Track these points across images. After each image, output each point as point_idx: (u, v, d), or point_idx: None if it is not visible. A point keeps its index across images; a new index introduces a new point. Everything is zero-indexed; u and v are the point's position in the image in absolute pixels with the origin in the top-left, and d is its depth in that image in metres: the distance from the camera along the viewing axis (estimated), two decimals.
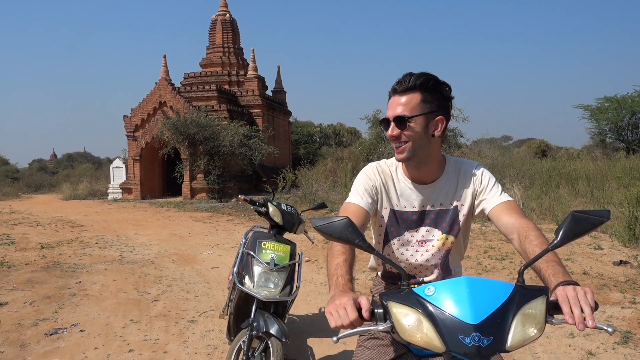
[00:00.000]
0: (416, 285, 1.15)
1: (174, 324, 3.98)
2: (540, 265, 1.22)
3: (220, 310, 3.63)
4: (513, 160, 16.51)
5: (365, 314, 1.06)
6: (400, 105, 1.45)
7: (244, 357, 2.49)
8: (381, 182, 1.60)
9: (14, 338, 3.64)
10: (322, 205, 3.49)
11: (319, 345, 3.51)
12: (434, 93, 1.46)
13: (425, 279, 1.64)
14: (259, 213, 3.10)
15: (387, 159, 1.68)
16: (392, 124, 1.47)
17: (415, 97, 1.45)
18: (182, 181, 18.29)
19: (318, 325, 3.98)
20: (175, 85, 19.42)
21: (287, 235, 3.18)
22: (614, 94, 22.25)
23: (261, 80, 22.21)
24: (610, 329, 1.02)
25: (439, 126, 1.48)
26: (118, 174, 20.92)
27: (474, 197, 1.57)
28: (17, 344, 3.52)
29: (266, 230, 3.12)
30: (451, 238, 1.59)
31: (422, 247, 1.60)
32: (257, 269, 2.70)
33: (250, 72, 21.71)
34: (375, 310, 1.09)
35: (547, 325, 1.05)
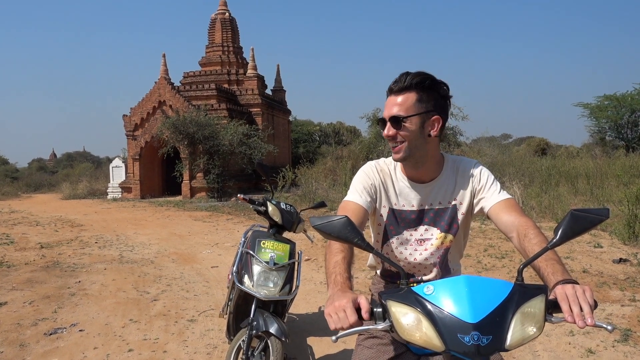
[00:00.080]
0: (415, 284, 1.15)
1: (173, 323, 3.98)
2: (539, 263, 1.22)
3: (220, 309, 3.63)
4: (513, 158, 16.50)
5: (364, 315, 1.06)
6: (396, 105, 1.45)
7: (244, 357, 2.49)
8: (380, 181, 1.59)
9: (13, 338, 3.64)
10: (322, 204, 3.48)
11: (318, 344, 3.51)
12: (430, 92, 1.45)
13: (424, 277, 1.64)
14: (258, 212, 3.10)
15: (386, 157, 1.67)
16: (388, 124, 1.46)
17: (411, 97, 1.44)
18: (182, 180, 18.27)
19: (318, 324, 3.97)
20: (174, 85, 19.39)
21: (287, 234, 3.18)
22: (614, 92, 22.27)
23: (260, 79, 22.18)
24: (609, 327, 1.02)
25: (435, 126, 1.47)
26: (117, 173, 20.91)
27: (472, 196, 1.56)
28: (16, 344, 3.51)
29: (265, 229, 3.12)
30: (450, 237, 1.59)
31: (420, 246, 1.60)
32: (256, 268, 2.69)
33: (249, 71, 21.68)
34: (374, 310, 1.09)
35: (546, 323, 1.05)
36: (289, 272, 2.77)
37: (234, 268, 2.90)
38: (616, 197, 8.69)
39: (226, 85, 21.43)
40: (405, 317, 1.03)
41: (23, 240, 8.58)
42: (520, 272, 1.10)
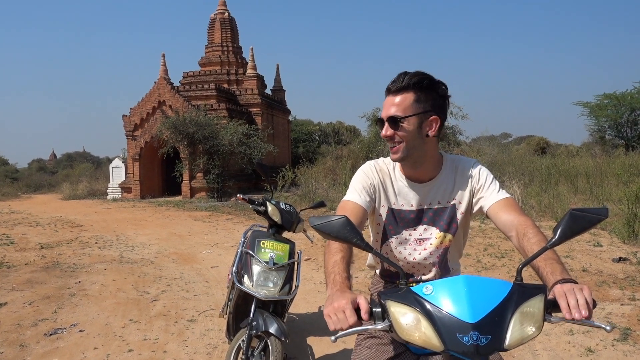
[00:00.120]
0: (414, 284, 1.15)
1: (173, 323, 3.98)
2: (538, 263, 1.22)
3: (220, 309, 3.63)
4: (512, 157, 16.50)
5: (364, 315, 1.06)
6: (394, 105, 1.45)
7: (244, 356, 2.49)
8: (379, 180, 1.59)
9: (13, 338, 3.64)
10: (321, 204, 3.48)
11: (318, 344, 3.51)
12: (428, 92, 1.45)
13: (424, 277, 1.64)
14: (258, 212, 3.10)
15: (385, 157, 1.67)
16: (386, 124, 1.46)
17: (409, 97, 1.43)
18: (182, 180, 18.27)
19: (318, 323, 3.97)
20: (174, 85, 19.39)
21: (286, 234, 3.18)
22: (614, 91, 22.24)
23: (260, 78, 22.17)
24: (608, 327, 1.02)
25: (433, 126, 1.47)
26: (117, 173, 20.91)
27: (471, 195, 1.56)
28: (16, 345, 3.51)
29: (265, 229, 3.12)
30: (449, 236, 1.59)
31: (420, 245, 1.60)
32: (256, 268, 2.69)
33: (249, 71, 21.68)
34: (374, 310, 1.09)
35: (545, 323, 1.05)
36: (288, 272, 2.77)
37: (234, 268, 2.91)
38: (616, 196, 8.70)
39: (226, 85, 21.43)
40: (404, 317, 1.03)
41: (23, 241, 8.58)
42: (519, 271, 1.10)
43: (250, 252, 2.75)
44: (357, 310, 1.07)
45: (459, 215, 1.58)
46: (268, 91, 24.25)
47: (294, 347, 3.41)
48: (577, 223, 1.09)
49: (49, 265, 6.37)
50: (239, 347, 2.56)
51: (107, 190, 20.76)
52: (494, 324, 0.99)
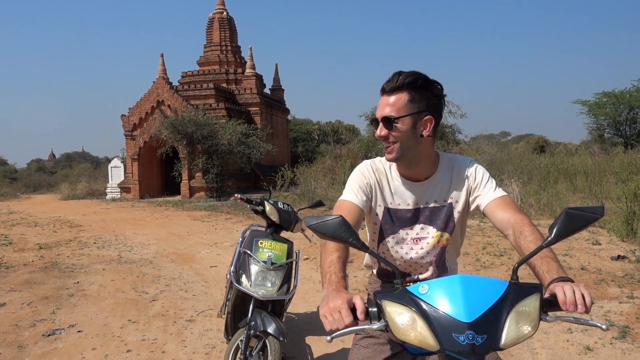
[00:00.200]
0: (411, 284, 1.15)
1: (172, 323, 3.97)
2: (535, 262, 1.22)
3: (218, 309, 3.63)
4: (511, 156, 16.52)
5: (360, 315, 1.06)
6: (388, 105, 1.44)
7: (242, 356, 2.49)
8: (375, 180, 1.59)
9: (11, 339, 3.63)
10: (319, 204, 3.48)
11: (317, 344, 3.51)
12: (422, 92, 1.44)
13: (421, 276, 1.63)
14: (256, 212, 3.09)
15: (382, 157, 1.67)
16: (381, 124, 1.46)
17: (403, 97, 1.43)
18: (181, 180, 18.25)
19: (316, 323, 3.97)
20: (172, 84, 19.36)
21: (285, 234, 3.17)
22: (612, 89, 22.26)
23: (259, 78, 22.15)
24: (604, 326, 1.02)
25: (427, 126, 1.46)
26: (116, 173, 20.88)
27: (468, 193, 1.56)
28: (14, 346, 3.51)
29: (263, 229, 3.12)
30: (446, 235, 1.58)
31: (416, 244, 1.60)
32: (254, 268, 2.69)
33: (248, 70, 21.66)
34: (370, 309, 1.08)
35: (541, 322, 1.05)
36: (286, 271, 2.77)
37: (232, 268, 2.90)
38: (614, 194, 8.70)
39: (224, 85, 21.40)
40: (400, 316, 1.03)
41: (22, 241, 8.57)
42: (515, 270, 1.09)
43: (248, 252, 2.74)
44: (353, 310, 1.07)
45: (456, 214, 1.57)
46: (267, 90, 24.23)
47: (292, 346, 3.41)
48: (573, 222, 1.09)
49: (48, 265, 6.36)
50: (237, 347, 2.56)
51: (106, 190, 20.74)
52: (489, 323, 0.99)
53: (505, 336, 0.99)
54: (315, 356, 3.33)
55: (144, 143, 19.00)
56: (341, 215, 1.15)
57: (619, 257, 5.51)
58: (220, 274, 5.67)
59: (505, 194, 1.51)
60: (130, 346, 3.48)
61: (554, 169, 12.89)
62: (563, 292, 1.06)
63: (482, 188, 1.52)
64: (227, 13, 22.87)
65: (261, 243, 2.79)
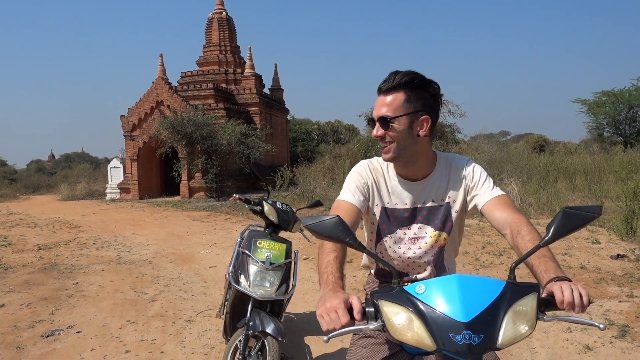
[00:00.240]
0: (409, 283, 1.14)
1: (171, 324, 3.97)
2: (532, 261, 1.22)
3: (217, 309, 3.62)
4: (511, 155, 16.54)
5: (356, 315, 1.05)
6: (384, 105, 1.44)
7: (240, 357, 2.48)
8: (373, 179, 1.59)
9: (10, 340, 3.63)
10: (318, 203, 3.48)
11: (316, 343, 3.50)
12: (419, 92, 1.43)
13: (419, 276, 1.63)
14: (254, 212, 3.09)
15: (379, 156, 1.66)
16: (377, 124, 1.46)
17: (399, 97, 1.42)
18: (180, 180, 18.24)
19: (315, 323, 3.93)
20: (172, 84, 19.36)
21: (283, 234, 3.17)
22: (612, 88, 22.27)
23: (258, 78, 22.14)
24: (601, 325, 1.02)
25: (424, 126, 1.46)
26: (116, 174, 20.87)
27: (466, 193, 1.55)
28: (13, 347, 3.50)
29: (262, 229, 3.11)
30: (444, 235, 1.58)
31: (414, 244, 1.59)
32: (252, 268, 2.69)
33: (247, 70, 21.65)
34: (367, 309, 1.08)
35: (538, 322, 1.04)
36: (285, 271, 2.77)
37: (230, 268, 2.90)
38: (614, 193, 8.70)
39: (224, 85, 21.39)
40: (396, 316, 1.03)
41: (21, 242, 8.56)
42: (512, 270, 1.09)
43: (247, 252, 2.74)
44: (350, 310, 1.06)
45: (453, 214, 1.57)
46: (266, 90, 24.22)
47: (291, 346, 3.41)
48: (571, 221, 1.09)
49: (47, 266, 6.35)
50: (236, 347, 2.55)
51: (106, 191, 20.73)
52: (486, 323, 0.98)
53: (502, 336, 0.98)
54: (314, 356, 3.33)
55: (144, 143, 18.99)
56: (338, 215, 1.14)
57: (618, 256, 5.50)
58: (220, 274, 5.67)
59: (502, 193, 1.50)
60: (129, 347, 3.47)
61: (554, 168, 12.89)
62: (560, 291, 1.06)
63: (480, 187, 1.52)
64: (226, 13, 22.86)
65: (260, 243, 2.78)
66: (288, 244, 2.90)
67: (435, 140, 16.79)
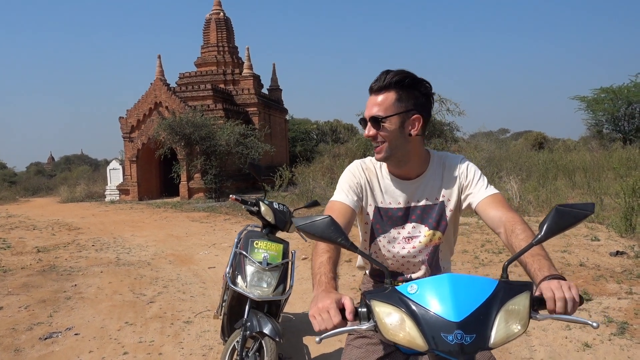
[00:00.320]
0: (402, 283, 1.13)
1: (169, 325, 3.96)
2: (526, 259, 1.21)
3: (215, 310, 3.61)
4: (510, 153, 16.53)
5: (348, 315, 1.05)
6: (376, 105, 1.43)
7: (238, 357, 2.48)
8: (366, 179, 1.58)
9: (8, 343, 3.62)
10: (315, 203, 3.47)
11: (314, 344, 3.50)
12: (410, 91, 1.43)
13: (413, 275, 1.62)
14: (251, 212, 3.08)
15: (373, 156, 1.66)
16: (369, 124, 1.45)
17: (390, 96, 1.42)
18: (179, 181, 18.23)
19: None
20: (170, 86, 19.34)
21: (281, 234, 3.16)
22: (610, 85, 22.27)
23: (257, 78, 22.13)
24: (594, 324, 1.01)
25: (415, 125, 1.45)
26: (115, 175, 20.86)
27: (460, 191, 1.55)
28: (11, 349, 3.50)
29: (259, 230, 3.10)
30: (438, 234, 1.57)
31: (408, 243, 1.58)
32: (249, 269, 2.68)
33: (245, 71, 21.64)
34: (359, 310, 1.07)
35: (532, 321, 1.04)
36: (282, 272, 2.76)
37: (228, 269, 2.89)
38: (613, 190, 8.70)
39: (222, 86, 21.39)
40: (389, 317, 1.02)
41: (20, 245, 8.55)
42: (505, 268, 1.08)
43: (244, 253, 2.73)
44: (342, 310, 1.06)
45: (448, 213, 1.56)
46: (265, 91, 24.21)
47: (290, 346, 3.40)
48: (563, 219, 1.08)
49: (45, 268, 6.35)
50: (234, 348, 2.55)
51: (105, 193, 20.72)
52: (478, 322, 0.97)
53: (494, 335, 0.97)
54: (312, 356, 3.32)
55: (142, 145, 18.98)
56: (330, 216, 1.14)
57: (617, 253, 5.50)
58: (219, 275, 5.66)
59: (496, 191, 1.50)
60: (127, 348, 3.47)
61: (553, 165, 12.90)
62: (550, 291, 1.05)
63: (474, 186, 1.51)
64: (224, 14, 22.85)
65: (257, 244, 2.77)
66: (285, 244, 2.90)
67: (434, 138, 16.80)
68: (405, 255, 1.59)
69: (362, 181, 1.57)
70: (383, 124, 1.43)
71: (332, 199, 1.55)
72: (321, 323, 1.04)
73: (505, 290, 1.02)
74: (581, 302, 1.07)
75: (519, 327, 1.00)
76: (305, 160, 19.79)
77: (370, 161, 1.62)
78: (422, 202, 1.56)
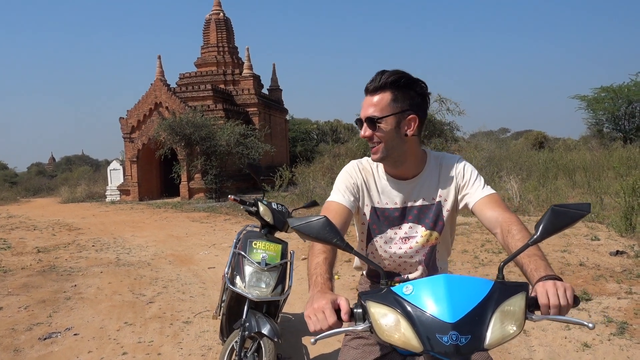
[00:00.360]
0: (398, 284, 1.13)
1: (168, 325, 3.96)
2: (522, 260, 1.21)
3: (214, 310, 3.61)
4: (510, 152, 16.51)
5: (344, 316, 1.05)
6: (371, 105, 1.43)
7: (237, 358, 2.48)
8: (362, 179, 1.58)
9: (7, 343, 3.62)
10: (314, 204, 3.47)
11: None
12: (405, 91, 1.43)
13: (410, 276, 1.62)
14: (250, 213, 3.08)
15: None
16: (365, 125, 1.45)
17: (386, 97, 1.42)
18: (180, 182, 18.24)
19: None
20: (170, 86, 19.35)
21: (280, 234, 3.16)
22: (610, 84, 22.25)
23: (257, 78, 22.13)
24: (590, 325, 1.01)
25: (411, 125, 1.45)
26: (115, 176, 20.86)
27: (457, 192, 1.54)
28: (10, 349, 3.50)
29: (258, 230, 3.10)
30: (435, 234, 1.57)
31: (405, 244, 1.58)
32: (248, 269, 2.68)
33: (245, 71, 21.64)
34: (355, 310, 1.07)
35: (527, 321, 1.03)
36: (281, 272, 2.76)
37: (227, 269, 2.89)
38: (613, 189, 8.69)
39: (222, 86, 21.39)
40: (384, 318, 1.02)
41: (20, 245, 8.56)
42: (500, 269, 1.08)
43: (243, 253, 2.73)
44: (337, 311, 1.06)
45: (445, 213, 1.56)
46: (265, 91, 24.21)
47: (289, 347, 3.40)
48: (559, 219, 1.08)
49: (45, 269, 6.35)
50: (232, 349, 2.55)
51: (106, 193, 20.73)
52: (473, 323, 0.97)
53: (489, 336, 0.97)
54: (311, 356, 3.32)
55: (143, 145, 18.99)
56: (325, 216, 1.13)
57: (617, 253, 5.49)
58: (218, 275, 5.66)
59: (493, 192, 1.49)
60: (126, 349, 3.47)
61: (553, 164, 12.89)
62: (544, 292, 1.05)
63: (471, 186, 1.51)
64: (224, 14, 22.85)
65: (255, 244, 2.77)
66: (284, 244, 2.90)
67: (434, 138, 16.79)
68: (402, 255, 1.59)
69: (359, 181, 1.57)
70: (379, 124, 1.42)
71: (328, 199, 1.55)
72: (316, 323, 1.04)
73: (501, 291, 1.02)
74: (578, 303, 1.06)
75: (515, 328, 0.99)
76: (305, 160, 19.79)
77: (366, 161, 1.62)
78: (419, 202, 1.56)
